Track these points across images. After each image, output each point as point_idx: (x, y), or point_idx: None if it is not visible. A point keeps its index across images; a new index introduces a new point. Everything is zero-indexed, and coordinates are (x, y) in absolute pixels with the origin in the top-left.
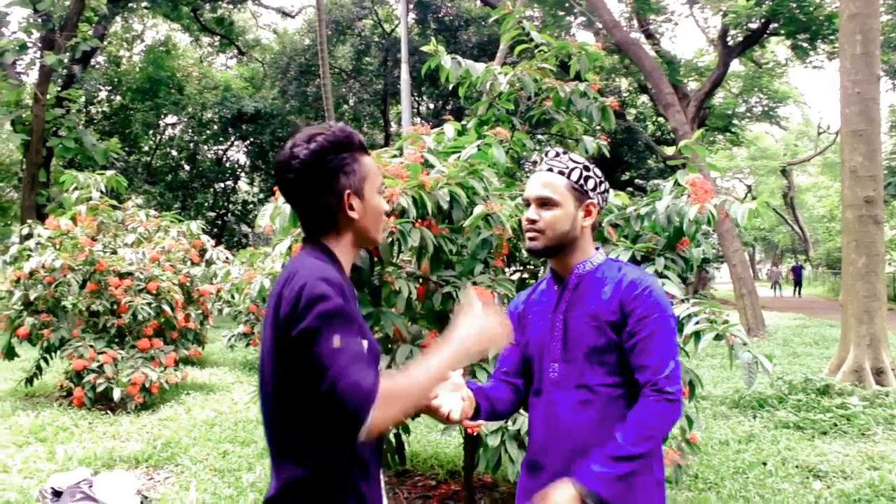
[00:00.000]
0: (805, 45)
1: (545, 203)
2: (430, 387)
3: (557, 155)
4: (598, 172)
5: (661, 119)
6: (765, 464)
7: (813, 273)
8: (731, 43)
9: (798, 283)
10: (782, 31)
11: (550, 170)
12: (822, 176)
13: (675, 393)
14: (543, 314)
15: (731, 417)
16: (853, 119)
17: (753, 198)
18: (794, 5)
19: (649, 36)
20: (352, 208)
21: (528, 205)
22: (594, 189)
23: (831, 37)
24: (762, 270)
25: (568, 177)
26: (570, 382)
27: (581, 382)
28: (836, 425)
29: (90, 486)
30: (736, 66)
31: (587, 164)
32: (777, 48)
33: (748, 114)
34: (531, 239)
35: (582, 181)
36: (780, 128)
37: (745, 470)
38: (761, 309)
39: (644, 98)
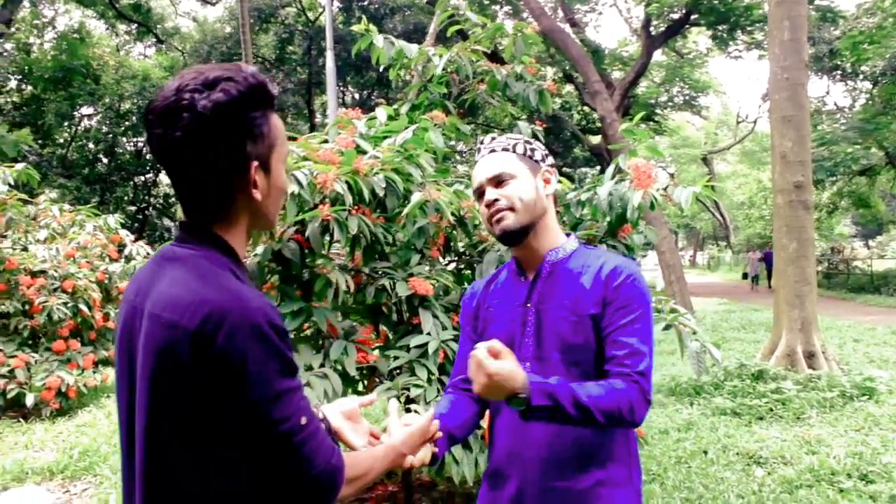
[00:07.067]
0: (725, 35)
1: (500, 180)
2: (376, 475)
3: (494, 138)
4: (541, 145)
5: (586, 108)
6: (706, 452)
7: (734, 259)
8: (653, 33)
9: (770, 271)
10: (703, 22)
11: (493, 151)
12: (740, 164)
13: (649, 392)
14: (509, 307)
15: (668, 405)
16: (782, 105)
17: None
18: None
19: (574, 25)
20: (255, 186)
21: (480, 195)
22: (543, 160)
23: (749, 27)
24: (685, 257)
25: (513, 150)
26: None
27: None
28: (772, 410)
29: None
30: (658, 56)
31: (527, 138)
32: (698, 38)
33: (670, 103)
34: (500, 220)
35: (529, 152)
36: (701, 117)
37: (686, 459)
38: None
39: (570, 87)
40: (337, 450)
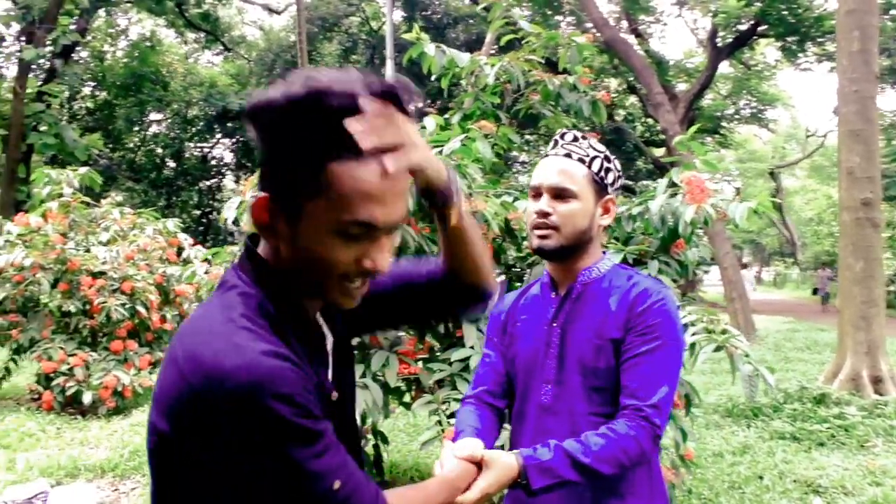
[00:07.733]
0: (794, 47)
1: (561, 195)
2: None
3: (576, 139)
4: (618, 165)
5: (649, 120)
6: (761, 478)
7: (801, 276)
8: (720, 44)
9: None
10: (771, 33)
11: (569, 155)
12: (809, 179)
13: (660, 428)
14: (536, 325)
15: (724, 427)
16: (850, 118)
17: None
18: (784, 7)
19: (638, 36)
20: (272, 219)
21: (537, 195)
22: (612, 184)
23: (820, 39)
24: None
25: (589, 166)
26: (564, 408)
27: (575, 409)
28: (833, 436)
29: (45, 501)
30: (725, 67)
31: (608, 153)
32: (766, 50)
33: (737, 116)
34: (542, 237)
35: (603, 173)
36: (769, 130)
37: (740, 485)
38: (752, 313)
39: (633, 99)
40: (380, 493)
